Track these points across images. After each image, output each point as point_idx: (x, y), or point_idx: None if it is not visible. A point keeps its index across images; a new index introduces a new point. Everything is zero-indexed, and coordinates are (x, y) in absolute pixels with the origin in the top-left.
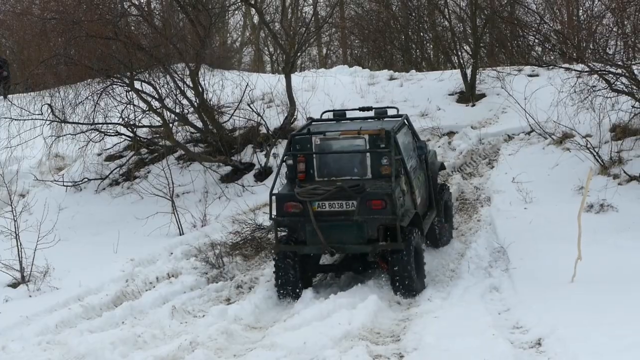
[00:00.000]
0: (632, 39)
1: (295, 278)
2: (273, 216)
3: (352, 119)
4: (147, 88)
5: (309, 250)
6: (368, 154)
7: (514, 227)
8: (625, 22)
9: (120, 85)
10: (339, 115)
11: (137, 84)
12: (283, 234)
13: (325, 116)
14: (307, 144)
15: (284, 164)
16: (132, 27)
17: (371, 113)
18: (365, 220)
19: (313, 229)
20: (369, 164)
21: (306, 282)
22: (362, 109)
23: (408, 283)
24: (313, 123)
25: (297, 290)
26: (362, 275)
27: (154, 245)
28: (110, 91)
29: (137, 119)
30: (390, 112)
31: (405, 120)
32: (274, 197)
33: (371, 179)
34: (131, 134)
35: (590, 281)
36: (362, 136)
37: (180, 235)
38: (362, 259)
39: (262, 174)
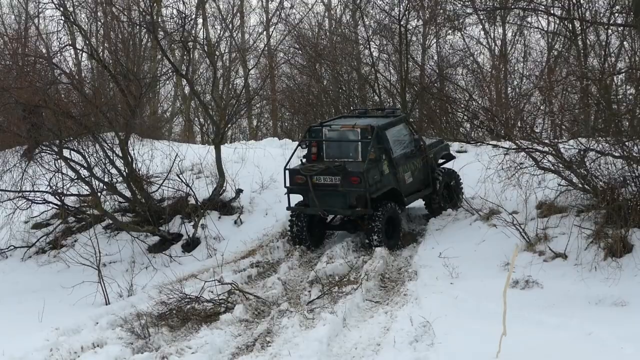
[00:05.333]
0: (559, 118)
1: (303, 230)
2: (286, 185)
3: (370, 116)
4: (76, 156)
5: (310, 211)
6: (359, 142)
7: (440, 302)
8: (553, 101)
9: (49, 153)
10: (362, 112)
11: (66, 152)
12: None
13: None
14: (319, 133)
15: (299, 147)
16: (62, 95)
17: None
18: (347, 191)
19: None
20: (360, 150)
21: (317, 238)
22: (377, 109)
23: (377, 238)
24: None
25: (305, 239)
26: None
27: (80, 314)
28: (38, 159)
29: (65, 187)
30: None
31: (402, 120)
32: (287, 171)
33: (361, 161)
34: (59, 202)
35: (515, 358)
36: (356, 129)
37: (106, 304)
38: (352, 222)
39: (190, 245)
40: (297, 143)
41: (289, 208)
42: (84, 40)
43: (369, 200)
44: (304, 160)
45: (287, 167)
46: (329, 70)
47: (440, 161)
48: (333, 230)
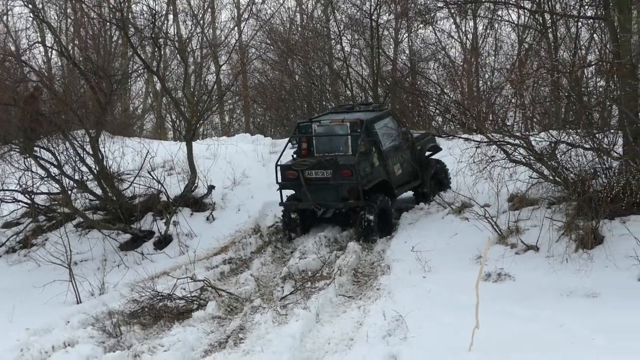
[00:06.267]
0: (530, 111)
1: (294, 223)
2: (278, 182)
3: (355, 110)
4: (46, 154)
5: (303, 205)
6: (349, 136)
7: (413, 296)
8: (524, 94)
9: (18, 152)
10: (348, 108)
11: (35, 150)
12: None
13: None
14: (309, 129)
15: (289, 144)
16: (32, 93)
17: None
18: (339, 184)
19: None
20: (350, 144)
21: (307, 228)
22: (363, 104)
23: (366, 230)
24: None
25: (297, 230)
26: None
27: (51, 313)
28: (7, 157)
29: (35, 185)
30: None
31: (389, 113)
32: (279, 167)
33: (351, 155)
34: (29, 201)
35: (487, 350)
36: (345, 123)
37: (78, 303)
38: (344, 214)
39: (162, 242)
40: (269, 138)
41: (281, 204)
42: (53, 38)
43: (361, 192)
44: (294, 156)
45: (278, 163)
46: (301, 65)
47: (427, 153)
48: (325, 223)
